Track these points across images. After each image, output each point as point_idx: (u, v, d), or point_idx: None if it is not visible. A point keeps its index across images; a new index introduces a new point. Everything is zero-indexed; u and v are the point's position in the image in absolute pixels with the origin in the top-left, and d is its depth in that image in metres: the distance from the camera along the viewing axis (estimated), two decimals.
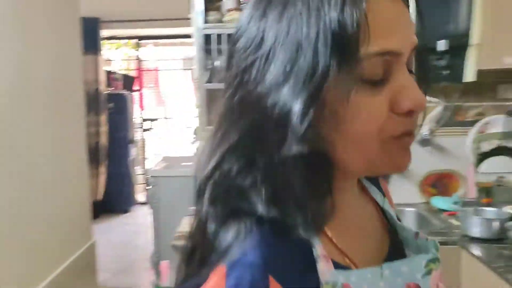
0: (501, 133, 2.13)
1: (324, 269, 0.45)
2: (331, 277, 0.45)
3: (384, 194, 0.61)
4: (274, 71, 0.44)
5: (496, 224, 1.63)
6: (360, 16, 0.41)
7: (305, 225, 0.45)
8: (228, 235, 0.45)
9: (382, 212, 0.60)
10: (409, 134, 0.47)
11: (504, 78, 2.15)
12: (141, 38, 6.17)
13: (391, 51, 0.44)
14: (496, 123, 2.14)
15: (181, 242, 2.01)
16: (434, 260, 0.50)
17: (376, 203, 0.60)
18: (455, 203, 2.01)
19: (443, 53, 2.00)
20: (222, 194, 0.47)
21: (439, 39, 1.97)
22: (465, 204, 1.97)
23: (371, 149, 0.46)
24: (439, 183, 2.22)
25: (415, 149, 2.26)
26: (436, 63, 2.05)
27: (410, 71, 0.47)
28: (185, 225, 2.24)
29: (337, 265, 0.46)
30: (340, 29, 0.41)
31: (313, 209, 0.45)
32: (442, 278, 0.52)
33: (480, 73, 1.97)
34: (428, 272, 0.50)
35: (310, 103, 0.42)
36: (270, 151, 0.44)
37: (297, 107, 0.42)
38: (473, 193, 2.12)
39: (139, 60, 6.49)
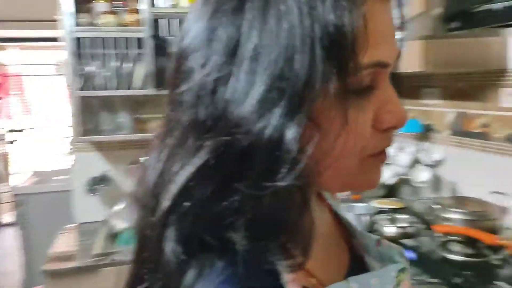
0: None
1: None
2: None
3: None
4: (258, 84, 0.36)
5: (366, 218, 1.79)
6: (358, 22, 0.36)
7: (292, 262, 0.39)
8: (195, 272, 0.39)
9: (338, 218, 0.55)
10: (384, 151, 0.45)
11: None
12: (3, 40, 5.56)
13: (382, 63, 0.40)
14: None
15: (54, 266, 1.84)
16: (404, 269, 0.47)
17: (331, 209, 0.55)
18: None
19: None
20: (193, 226, 0.40)
21: None
22: (340, 201, 2.10)
23: (350, 168, 0.42)
24: None
25: None
26: None
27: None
28: (59, 245, 2.07)
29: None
30: (338, 34, 0.36)
31: (302, 242, 0.39)
32: None
33: None
34: (398, 284, 0.46)
35: (303, 122, 0.37)
36: (255, 178, 0.37)
37: (291, 131, 0.36)
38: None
39: (1, 64, 5.84)
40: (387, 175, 2.03)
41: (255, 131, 0.37)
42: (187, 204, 0.39)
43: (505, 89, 1.59)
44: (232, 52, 0.38)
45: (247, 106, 0.37)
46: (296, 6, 0.36)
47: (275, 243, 0.39)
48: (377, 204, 1.96)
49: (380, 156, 0.44)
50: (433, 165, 1.98)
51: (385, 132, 0.43)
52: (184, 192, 0.39)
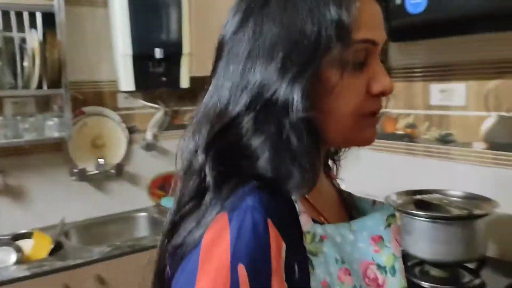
0: None
1: (306, 222, 0.52)
2: (311, 228, 0.52)
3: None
4: (279, 56, 0.52)
5: None
6: (354, 11, 0.52)
7: (301, 182, 0.51)
8: (229, 187, 0.51)
9: (339, 193, 0.69)
10: (376, 113, 0.57)
11: None
12: None
13: (372, 40, 0.54)
14: None
15: None
16: (393, 215, 0.60)
17: (335, 188, 0.69)
18: None
19: (160, 60, 2.10)
20: (229, 151, 0.53)
21: (156, 47, 2.06)
22: None
23: (347, 123, 0.55)
24: (167, 184, 2.33)
25: (140, 154, 2.28)
26: (155, 70, 2.13)
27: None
28: None
29: (314, 221, 0.54)
30: (339, 19, 0.51)
31: (309, 169, 0.52)
32: (399, 232, 0.61)
33: (193, 79, 2.16)
34: (389, 225, 0.59)
35: (311, 77, 0.51)
36: (276, 119, 0.52)
37: (302, 84, 0.51)
38: None
39: None
40: None
41: (273, 91, 0.52)
42: (224, 140, 0.53)
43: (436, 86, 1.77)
44: (259, 36, 0.53)
45: (271, 71, 0.52)
46: (306, 3, 0.52)
47: (291, 174, 0.51)
48: None
49: (372, 117, 0.57)
50: None
51: (375, 97, 0.56)
52: (221, 132, 0.54)
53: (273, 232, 0.48)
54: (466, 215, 1.20)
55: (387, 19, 0.59)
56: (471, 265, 1.27)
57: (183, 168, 0.57)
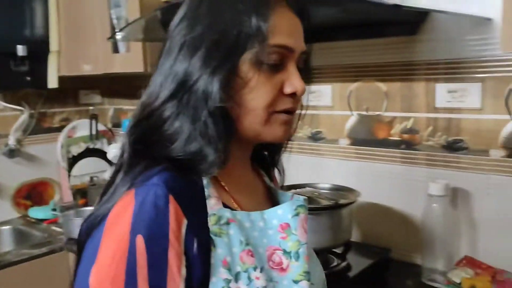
0: (87, 136, 2.26)
1: (214, 205, 0.58)
2: (218, 211, 0.58)
3: (272, 180, 0.78)
4: (201, 50, 0.59)
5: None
6: (271, 20, 0.59)
7: (212, 161, 0.57)
8: (141, 167, 0.57)
9: (269, 190, 0.75)
10: (288, 112, 0.63)
11: (84, 84, 2.29)
12: None
13: (287, 46, 0.61)
14: (82, 127, 2.25)
15: None
16: (302, 206, 0.65)
17: (265, 183, 0.75)
18: (54, 210, 1.99)
19: (24, 58, 1.93)
20: (149, 134, 0.60)
21: (18, 44, 1.89)
22: (64, 209, 1.98)
23: (259, 117, 0.61)
24: (34, 193, 2.14)
25: (1, 161, 2.07)
26: (18, 69, 1.95)
27: (298, 68, 0.63)
28: None
29: (226, 207, 0.60)
30: (257, 26, 0.58)
31: (220, 149, 0.58)
32: (306, 222, 0.66)
33: (62, 79, 2.02)
34: (297, 214, 0.64)
35: (229, 71, 0.58)
36: (196, 106, 0.58)
37: (218, 79, 0.57)
38: (69, 197, 2.16)
39: None
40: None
41: (195, 80, 0.58)
42: (152, 122, 0.60)
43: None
44: (190, 33, 0.60)
45: (195, 63, 0.58)
46: (229, 8, 0.60)
47: (204, 155, 0.58)
48: None
49: (283, 115, 0.63)
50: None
51: (288, 96, 0.62)
52: (154, 114, 0.60)
53: (173, 207, 0.53)
54: (333, 205, 1.30)
55: None
56: (338, 250, 1.38)
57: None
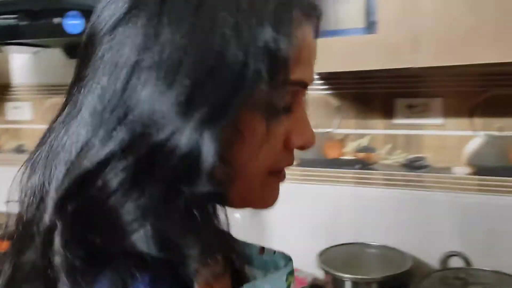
0: None
1: None
2: None
3: None
4: (177, 84, 0.35)
5: None
6: (295, 40, 0.39)
7: (200, 265, 0.36)
8: (97, 279, 0.35)
9: None
10: (284, 170, 0.45)
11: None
12: None
13: (304, 82, 0.43)
14: None
15: None
16: (292, 272, 0.48)
17: None
18: None
19: None
20: (90, 216, 0.36)
21: None
22: None
23: (253, 183, 0.42)
24: None
25: None
26: None
27: None
28: None
29: None
30: (276, 47, 0.37)
31: (207, 241, 0.37)
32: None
33: None
34: (289, 285, 0.47)
35: (226, 129, 0.36)
36: (169, 174, 0.35)
37: (210, 139, 0.35)
38: None
39: None
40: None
41: (169, 134, 0.35)
42: (85, 197, 0.36)
43: (10, 103, 1.77)
44: (153, 41, 0.36)
45: (168, 101, 0.35)
46: (231, 16, 0.36)
47: (186, 256, 0.36)
48: None
49: (279, 174, 0.45)
50: None
51: (290, 150, 0.44)
52: (81, 183, 0.36)
53: None
54: None
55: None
56: None
57: (20, 216, 0.40)
